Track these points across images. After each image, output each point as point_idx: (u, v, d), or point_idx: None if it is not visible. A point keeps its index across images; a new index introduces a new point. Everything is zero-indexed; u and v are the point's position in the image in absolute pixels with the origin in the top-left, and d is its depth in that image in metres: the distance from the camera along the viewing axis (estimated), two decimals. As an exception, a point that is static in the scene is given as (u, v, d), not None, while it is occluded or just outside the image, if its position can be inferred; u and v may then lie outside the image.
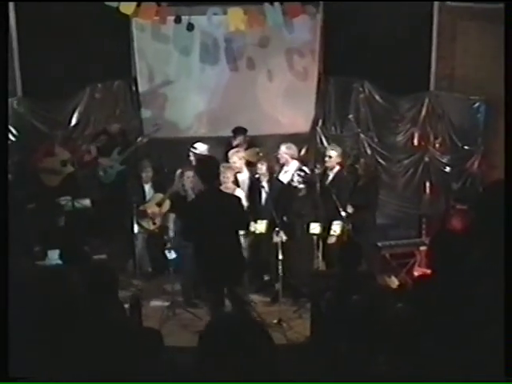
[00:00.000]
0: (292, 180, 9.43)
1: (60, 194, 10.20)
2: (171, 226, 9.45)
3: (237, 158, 9.80)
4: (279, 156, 9.80)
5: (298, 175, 9.29)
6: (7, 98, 6.34)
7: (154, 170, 10.22)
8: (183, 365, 2.51)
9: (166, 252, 8.81)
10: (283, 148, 9.75)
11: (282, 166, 9.82)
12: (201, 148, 10.05)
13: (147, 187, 10.08)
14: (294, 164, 9.78)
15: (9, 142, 10.80)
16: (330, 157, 9.54)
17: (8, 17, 6.27)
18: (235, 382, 2.22)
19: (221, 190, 7.95)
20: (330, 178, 9.48)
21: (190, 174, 9.14)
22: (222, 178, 8.86)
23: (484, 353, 3.44)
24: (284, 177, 9.70)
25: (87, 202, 10.11)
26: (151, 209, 9.82)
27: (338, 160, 9.58)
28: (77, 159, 10.79)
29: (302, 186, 9.20)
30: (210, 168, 7.54)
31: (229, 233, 7.39)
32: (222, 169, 8.89)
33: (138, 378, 3.37)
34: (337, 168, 9.54)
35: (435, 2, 10.63)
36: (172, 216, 9.48)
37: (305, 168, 9.59)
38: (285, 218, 8.97)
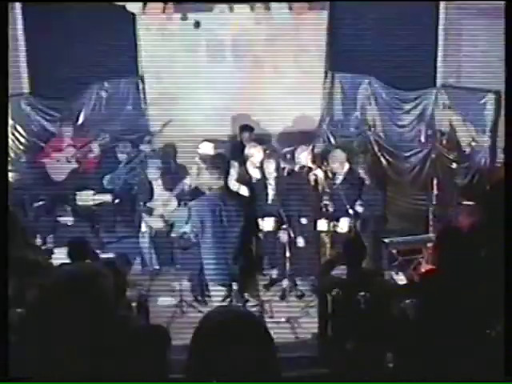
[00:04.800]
0: (299, 177, 9.46)
1: (66, 191, 10.23)
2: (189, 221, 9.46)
3: (255, 150, 9.83)
4: (289, 156, 9.82)
5: (311, 173, 9.32)
6: (7, 98, 6.34)
7: (161, 168, 10.24)
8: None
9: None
10: (302, 152, 9.74)
11: (292, 165, 9.84)
12: (206, 148, 10.08)
13: (155, 185, 10.09)
14: (303, 163, 9.83)
15: (16, 141, 10.89)
16: (336, 158, 9.60)
17: (8, 16, 6.28)
18: (236, 381, 2.22)
19: (229, 188, 7.93)
20: (340, 179, 9.52)
21: (207, 172, 9.15)
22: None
23: (487, 352, 3.45)
24: (293, 176, 9.72)
25: (108, 197, 10.08)
26: (158, 207, 9.84)
27: (344, 160, 9.64)
28: (81, 156, 10.82)
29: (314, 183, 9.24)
30: (220, 166, 7.52)
31: (238, 231, 7.35)
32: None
33: (144, 377, 3.38)
34: (344, 170, 9.58)
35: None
36: (186, 212, 9.50)
37: (318, 168, 9.62)
38: (292, 216, 9.01)
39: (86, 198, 9.98)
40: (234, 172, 9.04)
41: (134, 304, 6.52)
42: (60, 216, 9.99)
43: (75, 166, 10.70)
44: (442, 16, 10.66)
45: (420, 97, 11.06)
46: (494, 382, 3.27)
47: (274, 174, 9.23)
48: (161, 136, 11.09)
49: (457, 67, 10.75)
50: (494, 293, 3.67)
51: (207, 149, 10.08)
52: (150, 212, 9.73)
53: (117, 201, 9.97)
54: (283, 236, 8.78)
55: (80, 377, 2.65)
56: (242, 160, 9.90)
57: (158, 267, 10.09)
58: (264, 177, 9.32)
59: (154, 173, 10.05)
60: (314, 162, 10.27)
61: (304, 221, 9.16)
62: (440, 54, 10.80)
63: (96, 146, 10.89)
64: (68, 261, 6.48)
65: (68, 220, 10.01)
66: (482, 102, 10.37)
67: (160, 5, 10.33)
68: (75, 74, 10.92)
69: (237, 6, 10.56)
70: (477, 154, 10.53)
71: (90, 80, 11.34)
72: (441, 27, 10.70)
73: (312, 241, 9.17)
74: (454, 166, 10.78)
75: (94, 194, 9.97)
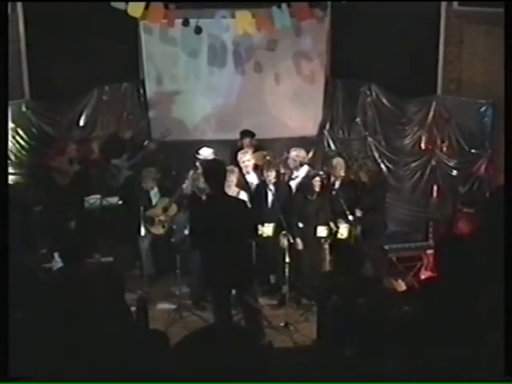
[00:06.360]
0: (305, 184, 9.47)
1: (69, 194, 10.21)
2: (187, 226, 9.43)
3: (249, 156, 9.83)
4: (290, 161, 9.83)
5: (314, 178, 9.31)
6: (7, 100, 6.34)
7: (160, 173, 10.22)
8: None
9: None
10: (294, 153, 9.78)
11: (292, 171, 9.85)
12: (206, 153, 10.08)
13: (152, 193, 10.06)
14: (304, 169, 9.82)
15: (17, 145, 10.88)
16: (337, 165, 9.62)
17: (7, 17, 6.30)
18: (235, 382, 2.22)
19: (227, 194, 7.87)
20: (338, 184, 9.53)
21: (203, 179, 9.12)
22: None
23: (486, 353, 3.45)
24: (293, 182, 9.72)
25: (115, 199, 10.01)
26: (157, 213, 9.81)
27: (344, 167, 9.66)
28: (82, 157, 10.80)
29: (317, 189, 9.21)
30: (216, 171, 7.47)
31: (236, 237, 7.29)
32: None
33: (142, 379, 3.38)
34: (343, 175, 9.60)
35: (442, 5, 10.61)
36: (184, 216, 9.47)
37: (320, 172, 9.64)
38: (296, 222, 9.02)
39: (95, 201, 9.90)
40: (233, 177, 9.01)
41: (133, 308, 6.50)
42: (63, 220, 9.97)
43: (78, 168, 10.68)
44: (442, 23, 10.67)
45: (420, 103, 11.07)
46: (494, 382, 3.28)
47: (274, 180, 9.23)
48: (161, 141, 11.08)
49: (457, 74, 10.75)
50: (493, 299, 3.67)
51: (207, 154, 10.08)
52: (149, 218, 9.71)
53: (120, 202, 9.93)
54: (283, 241, 8.78)
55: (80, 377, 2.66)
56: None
57: (157, 272, 10.08)
58: (264, 182, 9.31)
59: (149, 181, 10.01)
60: (310, 163, 10.29)
61: (304, 227, 9.16)
62: (440, 60, 10.81)
63: (96, 146, 10.89)
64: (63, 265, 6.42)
65: (71, 224, 9.97)
66: (483, 108, 10.37)
67: (162, 10, 10.32)
68: (76, 77, 10.92)
69: (238, 12, 10.55)
70: (477, 160, 10.52)
71: (92, 84, 11.35)
72: (441, 34, 10.71)
73: (312, 247, 9.17)
74: (454, 172, 10.78)
75: (102, 198, 9.91)
